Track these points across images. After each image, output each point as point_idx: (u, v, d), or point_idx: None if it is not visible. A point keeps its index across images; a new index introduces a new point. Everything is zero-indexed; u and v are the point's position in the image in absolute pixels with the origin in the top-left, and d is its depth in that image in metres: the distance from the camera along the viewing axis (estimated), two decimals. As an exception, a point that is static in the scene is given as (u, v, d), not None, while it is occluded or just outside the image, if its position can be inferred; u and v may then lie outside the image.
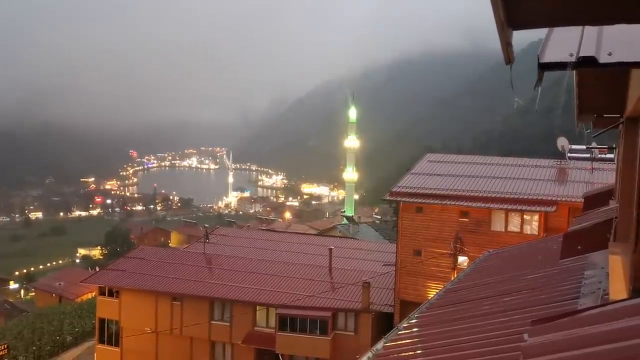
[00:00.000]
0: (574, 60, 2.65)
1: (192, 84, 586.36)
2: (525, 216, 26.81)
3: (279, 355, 31.33)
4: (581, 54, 2.65)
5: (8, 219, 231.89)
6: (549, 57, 2.69)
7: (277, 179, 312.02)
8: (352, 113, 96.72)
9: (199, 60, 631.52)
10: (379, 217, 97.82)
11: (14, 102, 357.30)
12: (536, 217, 26.51)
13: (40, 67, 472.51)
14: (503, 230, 26.97)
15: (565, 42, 2.77)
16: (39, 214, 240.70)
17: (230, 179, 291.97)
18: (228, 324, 32.25)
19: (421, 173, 30.72)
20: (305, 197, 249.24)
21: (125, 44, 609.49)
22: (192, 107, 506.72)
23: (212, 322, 32.59)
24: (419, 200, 28.29)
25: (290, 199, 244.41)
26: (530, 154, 39.91)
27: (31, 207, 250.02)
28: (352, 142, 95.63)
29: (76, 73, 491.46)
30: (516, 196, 26.69)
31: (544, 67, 2.67)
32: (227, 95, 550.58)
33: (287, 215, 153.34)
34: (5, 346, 36.91)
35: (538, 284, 5.86)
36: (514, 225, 26.98)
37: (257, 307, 32.02)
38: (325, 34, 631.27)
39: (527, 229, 26.62)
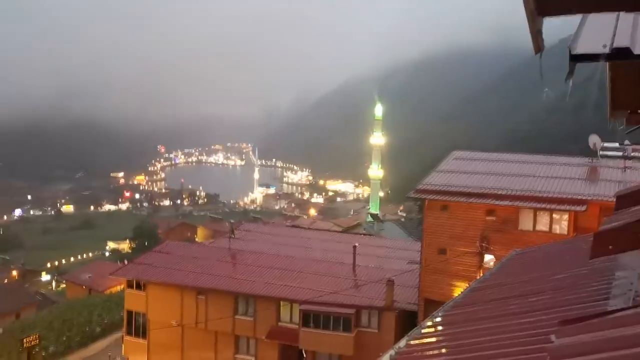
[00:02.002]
0: (607, 52, 2.53)
1: (219, 81, 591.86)
2: (554, 215, 26.28)
3: (303, 351, 31.42)
4: (615, 45, 2.54)
5: (40, 213, 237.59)
6: (580, 48, 2.57)
7: (302, 176, 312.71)
8: (378, 110, 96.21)
9: (227, 57, 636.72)
10: (404, 214, 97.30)
11: (46, 98, 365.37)
12: (565, 216, 25.99)
13: (72, 65, 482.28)
14: (531, 229, 26.49)
15: (598, 33, 2.66)
16: (70, 208, 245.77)
17: (256, 175, 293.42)
18: (252, 318, 32.46)
19: (447, 171, 30.39)
20: (330, 194, 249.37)
21: (156, 43, 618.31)
22: (219, 104, 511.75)
23: (236, 316, 32.83)
24: (445, 198, 27.99)
25: (315, 195, 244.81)
26: (557, 153, 39.11)
27: (62, 201, 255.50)
28: (377, 139, 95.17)
29: (107, 70, 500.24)
30: (545, 195, 26.18)
31: (576, 58, 2.56)
32: (253, 92, 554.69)
33: (312, 212, 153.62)
34: (37, 336, 37.90)
35: (566, 284, 5.71)
36: (542, 224, 26.48)
37: (281, 302, 32.15)
38: (352, 31, 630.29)
39: (556, 229, 26.11)
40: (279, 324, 32.17)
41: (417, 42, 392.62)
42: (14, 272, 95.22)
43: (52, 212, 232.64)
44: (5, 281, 78.30)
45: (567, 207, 25.52)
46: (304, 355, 31.69)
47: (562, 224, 26.09)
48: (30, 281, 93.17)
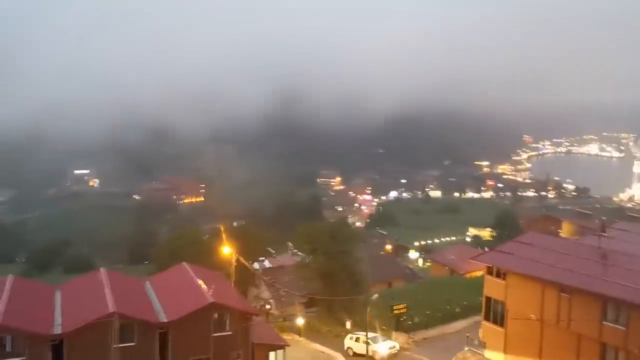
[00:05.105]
0: None
1: (591, 66, 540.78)
2: None
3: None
4: None
5: (411, 195, 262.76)
6: None
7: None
8: None
9: (598, 41, 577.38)
10: None
11: (422, 92, 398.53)
12: None
13: (451, 61, 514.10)
14: None
15: None
16: (437, 193, 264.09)
17: (637, 169, 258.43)
18: (624, 328, 28.94)
19: None
20: None
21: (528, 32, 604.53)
22: (592, 90, 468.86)
23: (604, 322, 29.79)
24: None
25: None
26: None
27: (431, 186, 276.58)
28: None
29: (479, 64, 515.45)
30: None
31: None
32: (632, 77, 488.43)
33: None
34: (405, 306, 42.40)
35: None
36: None
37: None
38: None
39: None
40: (658, 339, 27.84)
41: None
42: (389, 246, 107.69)
43: (422, 196, 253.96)
44: (381, 253, 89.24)
45: None
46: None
47: None
48: (401, 256, 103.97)
